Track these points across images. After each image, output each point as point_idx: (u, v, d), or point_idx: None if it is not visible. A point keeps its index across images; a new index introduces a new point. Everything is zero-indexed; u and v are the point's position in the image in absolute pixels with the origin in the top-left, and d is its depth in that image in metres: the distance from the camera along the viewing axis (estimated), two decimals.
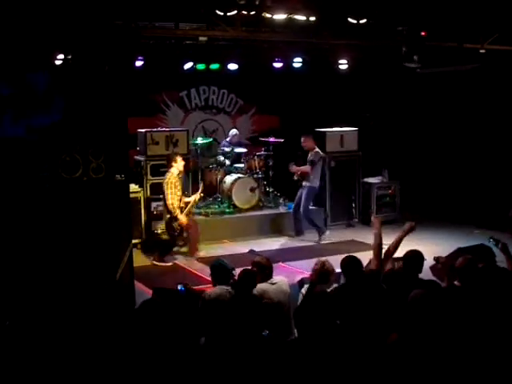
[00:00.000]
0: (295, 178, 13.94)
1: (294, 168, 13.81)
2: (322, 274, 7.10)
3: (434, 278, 7.69)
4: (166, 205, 11.90)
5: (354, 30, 11.88)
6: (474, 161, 14.95)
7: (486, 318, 6.04)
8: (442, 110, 15.64)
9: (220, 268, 7.37)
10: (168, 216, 12.02)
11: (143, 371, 5.03)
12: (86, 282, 7.76)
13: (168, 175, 11.92)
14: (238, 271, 7.18)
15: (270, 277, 7.36)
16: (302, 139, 13.77)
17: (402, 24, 12.23)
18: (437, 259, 7.83)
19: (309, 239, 13.70)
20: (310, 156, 13.72)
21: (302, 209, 13.63)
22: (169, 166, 12.09)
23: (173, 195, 11.78)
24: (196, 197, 12.54)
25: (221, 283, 7.19)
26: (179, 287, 6.97)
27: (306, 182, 13.67)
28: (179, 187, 12.01)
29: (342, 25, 11.80)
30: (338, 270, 7.19)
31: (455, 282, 6.82)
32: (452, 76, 14.70)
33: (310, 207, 14.03)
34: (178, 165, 12.04)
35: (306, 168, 13.64)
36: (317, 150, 13.81)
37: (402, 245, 7.65)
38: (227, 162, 14.92)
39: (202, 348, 6.48)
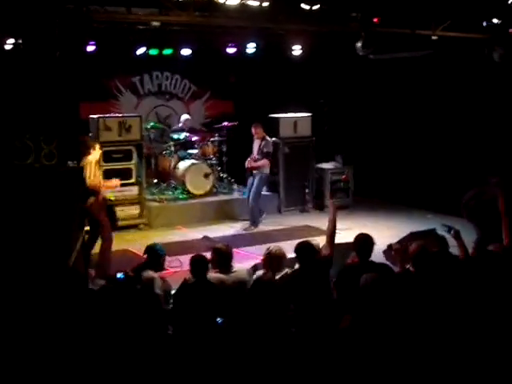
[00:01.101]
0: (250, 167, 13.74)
1: (252, 164, 13.56)
2: (271, 260, 7.14)
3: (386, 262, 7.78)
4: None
5: (307, 15, 11.86)
6: (428, 146, 15.11)
7: (437, 304, 6.14)
8: (396, 95, 15.76)
9: (154, 252, 7.51)
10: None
11: (93, 356, 5.02)
12: (36, 268, 7.67)
13: (85, 160, 10.18)
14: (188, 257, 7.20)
15: (230, 263, 7.37)
16: (253, 129, 13.64)
17: (355, 10, 12.28)
18: (390, 246, 7.95)
19: (262, 224, 13.70)
20: (262, 146, 13.55)
21: (252, 195, 13.47)
22: (85, 152, 10.29)
23: (96, 173, 10.05)
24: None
25: (152, 267, 7.33)
26: (118, 275, 6.95)
27: (257, 171, 13.59)
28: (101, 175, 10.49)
29: (295, 10, 11.78)
30: (292, 255, 7.24)
31: (409, 267, 6.91)
32: (405, 62, 14.79)
33: (263, 193, 14.02)
34: (96, 153, 10.34)
35: (264, 162, 13.53)
36: (267, 138, 13.74)
37: (354, 229, 7.72)
38: (179, 149, 14.85)
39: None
